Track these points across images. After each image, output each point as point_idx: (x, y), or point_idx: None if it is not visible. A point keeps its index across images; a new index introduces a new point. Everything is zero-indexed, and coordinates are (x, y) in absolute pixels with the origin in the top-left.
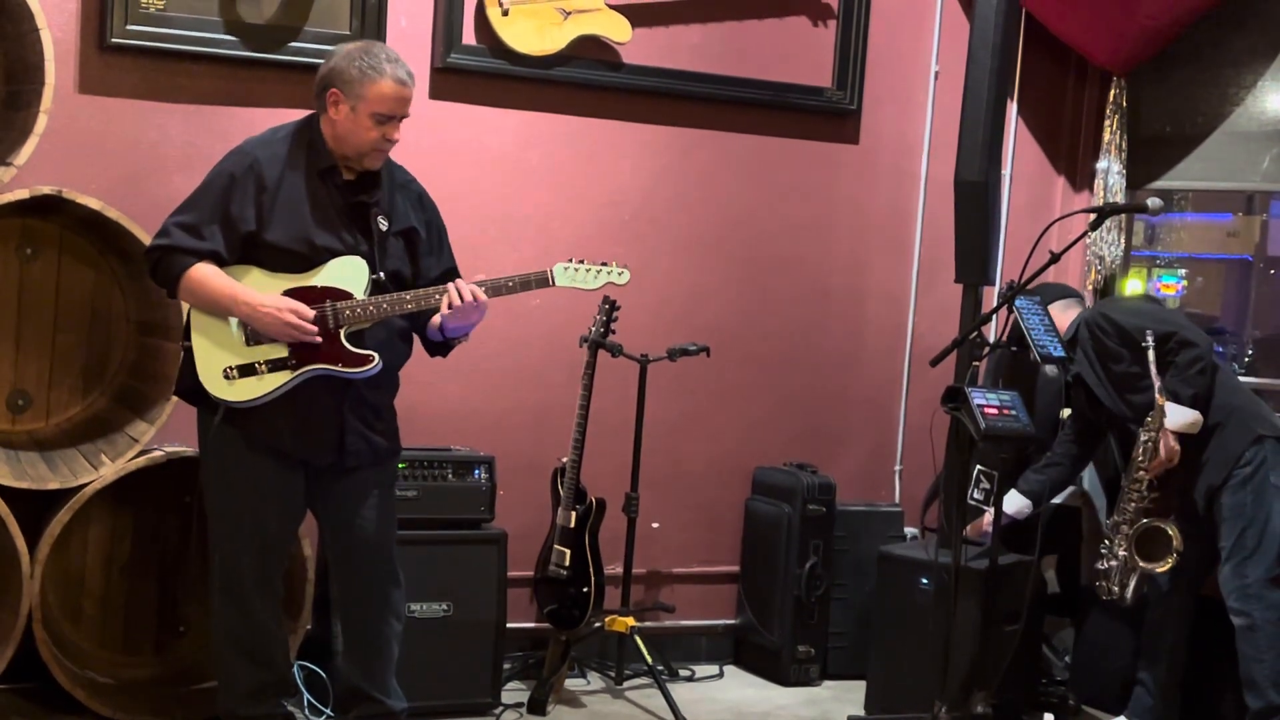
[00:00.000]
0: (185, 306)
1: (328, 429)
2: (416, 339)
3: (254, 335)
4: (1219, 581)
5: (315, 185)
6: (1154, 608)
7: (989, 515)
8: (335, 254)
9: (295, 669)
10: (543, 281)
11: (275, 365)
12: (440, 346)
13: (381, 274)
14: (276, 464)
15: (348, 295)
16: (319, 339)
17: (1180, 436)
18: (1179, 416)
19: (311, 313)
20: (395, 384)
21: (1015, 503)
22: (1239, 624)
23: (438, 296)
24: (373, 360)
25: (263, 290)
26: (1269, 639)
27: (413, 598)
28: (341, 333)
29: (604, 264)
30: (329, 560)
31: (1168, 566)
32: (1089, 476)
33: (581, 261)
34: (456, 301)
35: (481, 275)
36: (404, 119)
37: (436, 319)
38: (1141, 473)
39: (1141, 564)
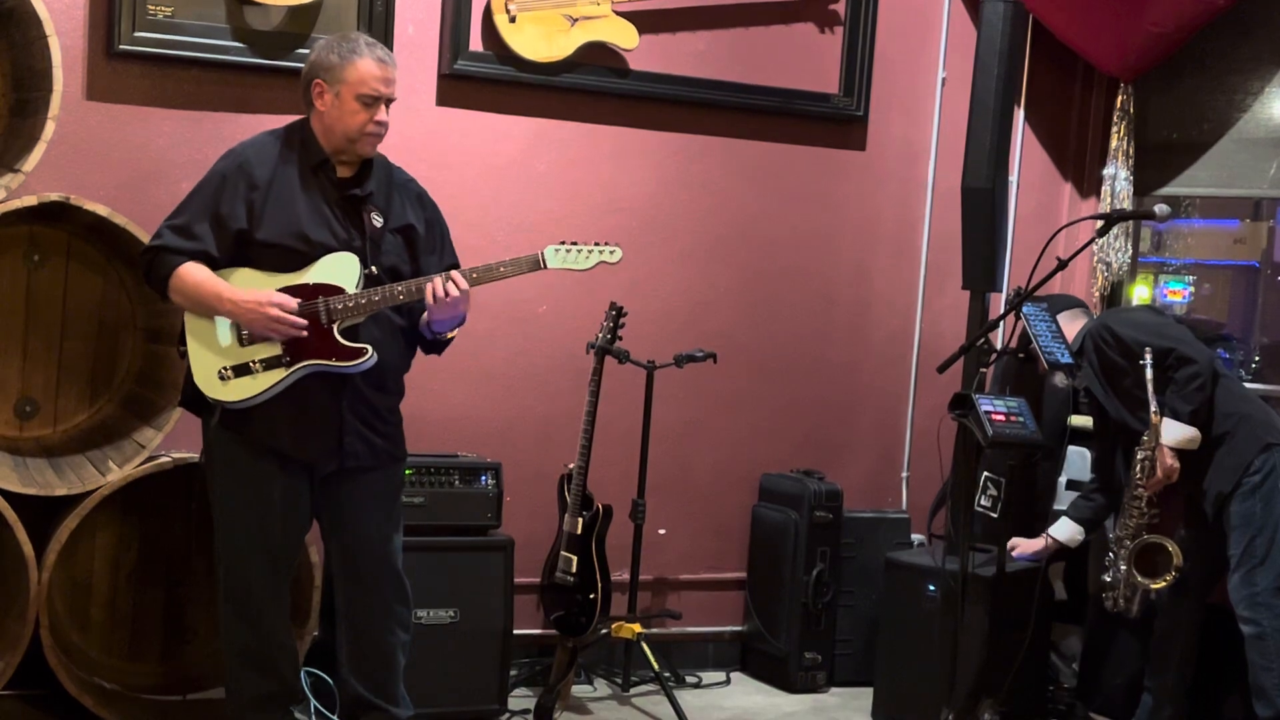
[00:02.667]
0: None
1: (326, 428)
2: None
3: (247, 335)
4: (1228, 590)
5: (308, 180)
6: (1163, 616)
7: (1044, 540)
8: (328, 249)
9: (303, 676)
10: (534, 264)
11: (269, 363)
12: (433, 345)
13: (374, 268)
14: (280, 470)
15: (339, 290)
16: (305, 333)
17: (1182, 451)
18: (1176, 433)
19: (294, 303)
20: (399, 388)
21: (1067, 530)
22: (1248, 632)
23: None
24: (367, 353)
25: (254, 288)
26: (1279, 647)
27: (419, 604)
28: (334, 328)
29: (596, 244)
30: (333, 569)
31: (1166, 584)
32: None
33: (574, 243)
34: (440, 293)
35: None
36: (391, 101)
37: (425, 317)
38: (1140, 490)
39: (1140, 579)
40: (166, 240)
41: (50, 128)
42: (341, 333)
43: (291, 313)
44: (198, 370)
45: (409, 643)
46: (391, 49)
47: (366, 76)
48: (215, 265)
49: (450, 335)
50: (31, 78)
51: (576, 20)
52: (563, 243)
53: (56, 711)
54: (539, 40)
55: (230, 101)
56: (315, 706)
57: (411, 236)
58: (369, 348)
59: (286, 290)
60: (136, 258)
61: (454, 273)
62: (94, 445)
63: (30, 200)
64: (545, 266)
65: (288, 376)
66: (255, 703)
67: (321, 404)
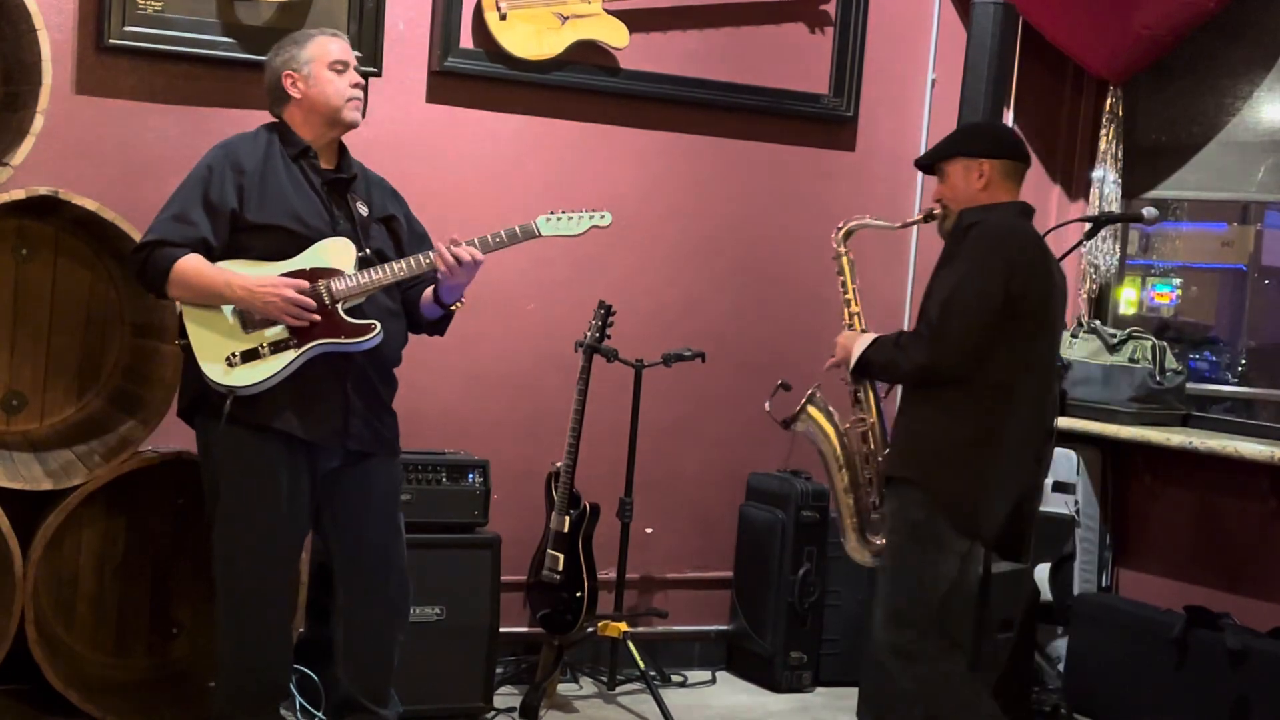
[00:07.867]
0: (178, 306)
1: (332, 408)
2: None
3: (250, 320)
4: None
5: (292, 168)
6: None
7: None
8: (321, 232)
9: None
10: (529, 234)
11: (277, 346)
12: (436, 323)
13: (368, 250)
14: (286, 464)
15: (339, 273)
16: (318, 316)
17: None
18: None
19: (306, 284)
20: (394, 379)
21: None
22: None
23: (428, 258)
24: (375, 328)
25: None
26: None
27: None
28: (339, 307)
29: (586, 210)
30: (335, 569)
31: (786, 424)
32: (1083, 488)
33: (564, 210)
34: (452, 263)
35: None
36: (359, 72)
37: (428, 294)
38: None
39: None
40: (164, 232)
41: (39, 121)
42: (346, 312)
43: (304, 292)
44: (204, 359)
45: (404, 643)
46: (382, 46)
47: (329, 48)
48: (212, 255)
49: (456, 307)
50: (20, 71)
51: (567, 18)
52: (553, 211)
53: (41, 706)
54: (529, 38)
55: (220, 96)
56: (300, 703)
57: (394, 227)
58: (376, 323)
59: (284, 277)
60: (127, 256)
61: (466, 245)
62: (81, 440)
63: (19, 194)
64: (539, 235)
65: (298, 358)
66: (249, 701)
67: (327, 383)
